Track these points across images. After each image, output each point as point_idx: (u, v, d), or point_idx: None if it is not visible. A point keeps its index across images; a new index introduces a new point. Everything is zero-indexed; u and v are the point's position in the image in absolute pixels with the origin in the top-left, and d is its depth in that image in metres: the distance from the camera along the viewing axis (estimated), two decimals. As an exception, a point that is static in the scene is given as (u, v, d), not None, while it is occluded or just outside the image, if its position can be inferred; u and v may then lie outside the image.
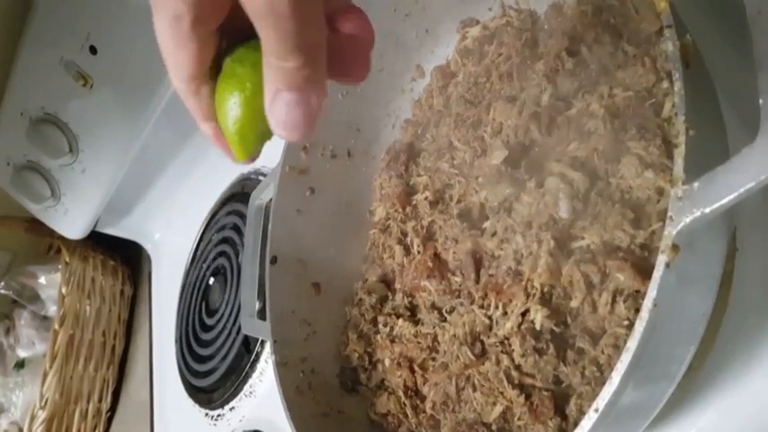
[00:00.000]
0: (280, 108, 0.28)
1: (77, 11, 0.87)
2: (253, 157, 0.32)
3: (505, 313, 0.47)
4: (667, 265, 0.30)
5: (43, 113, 0.99)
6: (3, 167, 1.06)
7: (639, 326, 0.31)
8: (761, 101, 0.28)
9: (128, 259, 1.27)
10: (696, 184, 0.30)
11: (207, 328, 0.97)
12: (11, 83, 0.99)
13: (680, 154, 0.30)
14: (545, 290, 0.45)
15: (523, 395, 0.45)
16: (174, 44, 0.30)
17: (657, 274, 0.31)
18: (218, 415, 0.91)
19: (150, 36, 0.34)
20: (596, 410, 0.32)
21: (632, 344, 0.31)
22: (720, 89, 0.40)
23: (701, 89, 0.34)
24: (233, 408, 0.89)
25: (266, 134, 0.31)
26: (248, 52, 0.30)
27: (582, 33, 0.48)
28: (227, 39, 0.31)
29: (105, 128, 0.98)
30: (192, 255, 1.08)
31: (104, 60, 0.90)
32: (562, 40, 0.48)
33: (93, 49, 0.90)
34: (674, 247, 0.30)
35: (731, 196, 0.28)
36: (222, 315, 0.94)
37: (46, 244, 1.28)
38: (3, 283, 1.16)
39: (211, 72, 0.31)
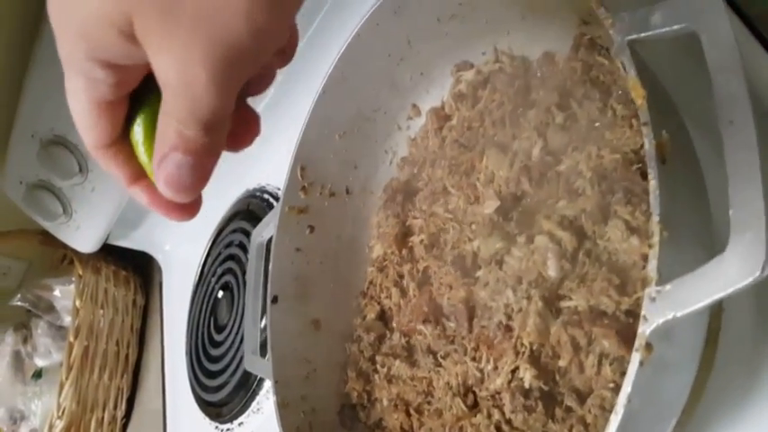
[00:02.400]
0: (169, 167, 0.27)
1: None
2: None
3: (496, 368, 0.48)
4: (641, 364, 0.31)
5: (53, 135, 1.00)
6: (16, 186, 1.08)
7: (615, 420, 0.32)
8: (731, 212, 0.28)
9: (139, 268, 1.29)
10: (669, 287, 0.30)
11: (216, 344, 0.99)
12: (22, 105, 1.00)
13: (654, 255, 0.31)
14: (534, 348, 0.46)
15: (514, 449, 0.46)
16: (93, 111, 0.29)
17: (632, 370, 0.31)
18: (228, 429, 0.93)
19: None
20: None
21: (610, 434, 0.32)
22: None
23: (684, 181, 0.34)
24: (242, 423, 0.91)
25: None
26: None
27: (572, 89, 0.48)
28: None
29: (113, 147, 1.00)
30: (200, 269, 1.09)
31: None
32: (552, 94, 0.48)
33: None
34: (648, 346, 0.31)
35: (701, 304, 0.28)
36: (230, 332, 0.96)
37: (60, 254, 1.30)
38: (19, 296, 1.19)
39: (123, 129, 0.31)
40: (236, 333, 0.94)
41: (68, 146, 1.00)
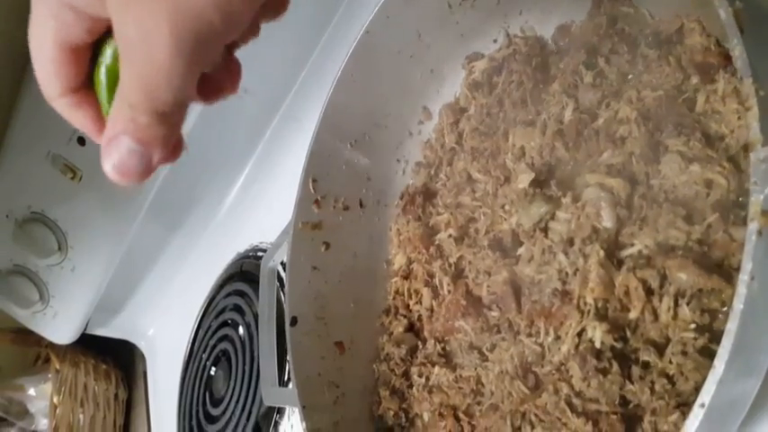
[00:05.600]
0: (118, 150, 0.26)
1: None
2: None
3: (558, 337, 0.44)
4: (759, 233, 0.28)
5: (30, 213, 0.95)
6: (-13, 274, 1.02)
7: (738, 303, 0.28)
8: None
9: (120, 360, 1.21)
10: (778, 144, 0.28)
11: (213, 420, 0.91)
12: (-5, 187, 0.96)
13: (754, 116, 0.29)
14: (599, 305, 0.42)
15: (590, 422, 0.41)
16: (59, 55, 0.27)
17: (750, 244, 0.28)
18: None
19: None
20: (702, 405, 0.29)
21: (732, 325, 0.29)
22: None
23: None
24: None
25: None
26: None
27: (597, 46, 0.47)
28: None
29: (95, 221, 0.96)
30: (190, 345, 1.03)
31: (93, 150, 0.88)
32: (578, 54, 0.48)
33: (81, 141, 0.89)
34: (764, 213, 0.28)
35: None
36: (229, 403, 0.88)
37: (33, 354, 1.21)
38: (-12, 400, 1.09)
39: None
40: (237, 402, 0.86)
41: (47, 222, 0.95)
